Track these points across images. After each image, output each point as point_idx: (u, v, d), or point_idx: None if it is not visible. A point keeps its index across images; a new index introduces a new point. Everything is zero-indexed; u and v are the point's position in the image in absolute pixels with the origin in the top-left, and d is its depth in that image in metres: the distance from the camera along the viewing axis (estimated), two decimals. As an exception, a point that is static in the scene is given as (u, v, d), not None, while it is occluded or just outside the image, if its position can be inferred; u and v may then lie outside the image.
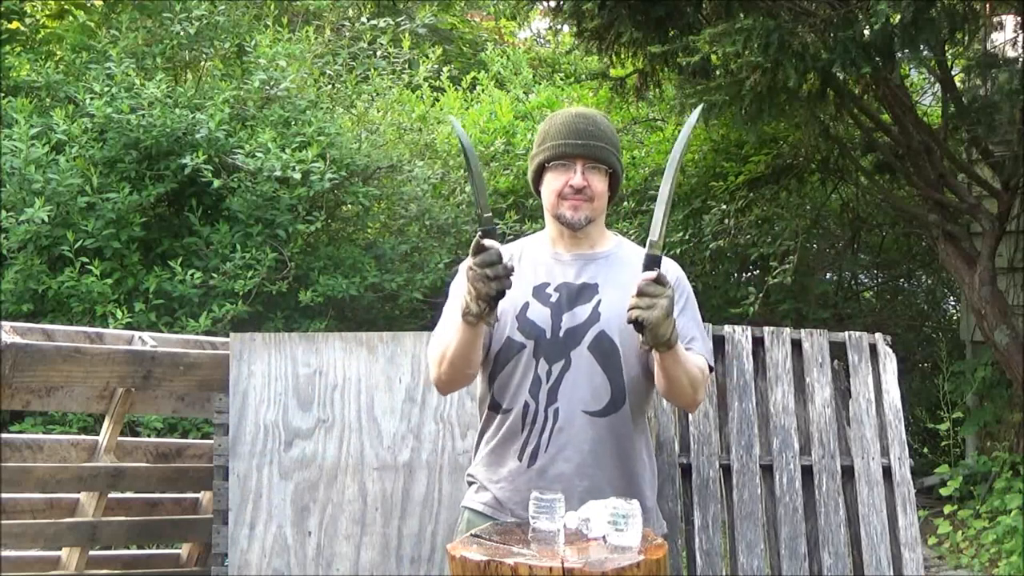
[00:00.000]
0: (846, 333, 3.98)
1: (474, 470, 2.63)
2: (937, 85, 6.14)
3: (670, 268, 2.56)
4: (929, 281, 7.85)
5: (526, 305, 2.52)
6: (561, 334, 2.49)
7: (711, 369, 2.58)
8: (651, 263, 2.29)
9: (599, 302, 2.52)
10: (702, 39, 4.53)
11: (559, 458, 2.47)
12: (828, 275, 7.49)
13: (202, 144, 5.43)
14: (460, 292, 2.41)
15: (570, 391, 2.48)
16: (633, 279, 2.31)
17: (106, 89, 5.58)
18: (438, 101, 8.04)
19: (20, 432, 4.82)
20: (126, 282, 5.37)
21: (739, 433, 3.73)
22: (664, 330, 2.26)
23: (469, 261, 2.30)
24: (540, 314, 2.51)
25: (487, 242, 2.28)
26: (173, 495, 4.15)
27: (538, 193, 2.62)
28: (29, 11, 7.01)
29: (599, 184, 2.52)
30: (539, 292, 2.54)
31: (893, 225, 7.15)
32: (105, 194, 5.29)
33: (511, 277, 2.29)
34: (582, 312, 2.51)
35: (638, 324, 2.26)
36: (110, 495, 3.87)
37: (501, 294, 2.29)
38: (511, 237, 6.46)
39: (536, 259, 2.60)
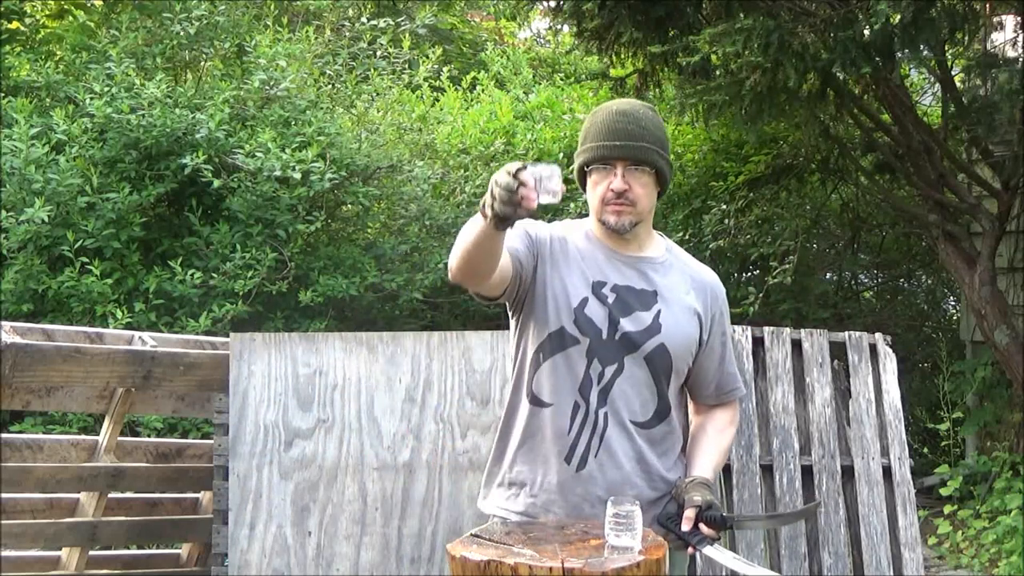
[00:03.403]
0: (846, 333, 3.98)
1: (510, 472, 2.47)
2: (937, 85, 6.13)
3: (716, 288, 2.56)
4: (929, 281, 7.84)
5: (585, 300, 2.40)
6: (617, 337, 2.39)
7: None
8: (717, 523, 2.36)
9: (659, 312, 2.43)
10: (702, 39, 4.53)
11: (609, 465, 2.38)
12: (828, 275, 7.49)
13: (202, 144, 5.43)
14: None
15: (622, 398, 2.39)
16: (686, 291, 2.47)
17: (106, 89, 5.58)
18: (438, 101, 8.02)
19: (20, 432, 4.82)
20: (126, 282, 5.37)
21: (739, 433, 3.73)
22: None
23: (510, 169, 2.07)
24: (598, 312, 2.39)
25: (525, 176, 2.06)
26: (173, 495, 4.15)
27: (585, 190, 2.52)
28: (29, 11, 7.01)
29: (641, 187, 2.40)
30: (597, 290, 2.42)
31: (893, 225, 7.14)
32: (105, 194, 5.29)
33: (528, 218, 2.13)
34: (642, 319, 2.41)
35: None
36: (110, 495, 3.88)
37: (508, 221, 2.10)
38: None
39: (586, 253, 2.46)
